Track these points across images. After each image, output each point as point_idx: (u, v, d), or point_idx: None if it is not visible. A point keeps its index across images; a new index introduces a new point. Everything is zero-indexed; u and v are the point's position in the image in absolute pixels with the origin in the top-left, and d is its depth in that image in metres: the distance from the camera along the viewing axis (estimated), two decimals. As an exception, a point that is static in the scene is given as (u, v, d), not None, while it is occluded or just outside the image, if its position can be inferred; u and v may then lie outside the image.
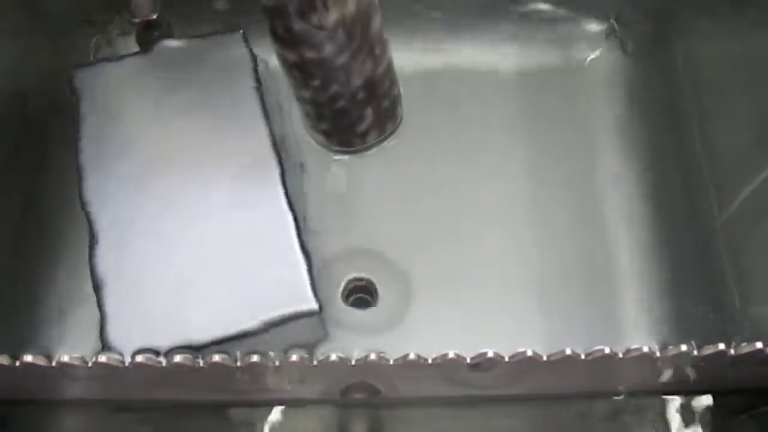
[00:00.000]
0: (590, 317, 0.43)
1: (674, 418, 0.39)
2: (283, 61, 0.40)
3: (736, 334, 0.40)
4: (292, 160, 0.46)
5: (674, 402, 0.39)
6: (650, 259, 0.44)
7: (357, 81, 0.41)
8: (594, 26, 0.50)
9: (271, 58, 0.42)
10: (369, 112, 0.43)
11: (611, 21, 0.50)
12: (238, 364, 0.30)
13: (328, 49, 0.38)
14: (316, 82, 0.40)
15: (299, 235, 0.39)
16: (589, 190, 0.46)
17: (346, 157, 0.47)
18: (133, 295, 0.38)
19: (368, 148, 0.46)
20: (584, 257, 0.44)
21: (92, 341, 0.38)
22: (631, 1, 0.49)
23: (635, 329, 0.43)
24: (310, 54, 0.38)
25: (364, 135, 0.45)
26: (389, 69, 0.43)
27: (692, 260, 0.43)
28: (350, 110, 0.43)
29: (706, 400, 0.39)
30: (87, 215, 0.41)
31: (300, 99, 0.43)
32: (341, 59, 0.39)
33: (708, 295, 0.42)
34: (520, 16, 0.50)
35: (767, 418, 0.38)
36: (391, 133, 0.46)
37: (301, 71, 0.40)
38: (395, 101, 0.45)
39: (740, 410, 0.39)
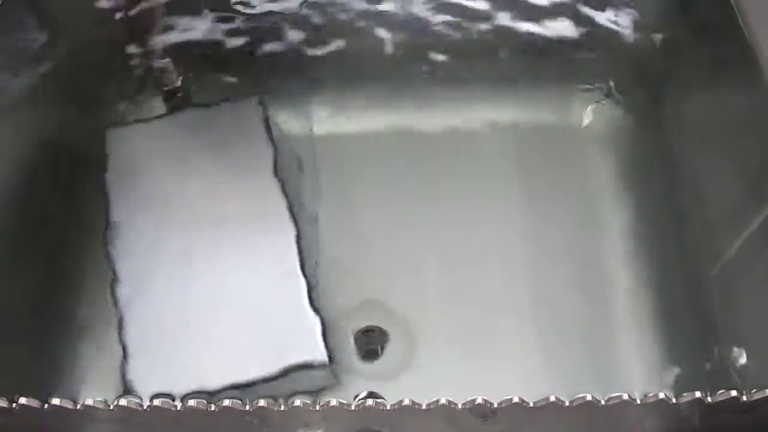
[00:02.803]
0: (593, 367, 0.45)
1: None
2: None
3: (728, 383, 0.41)
4: (307, 212, 0.48)
5: (668, 450, 0.40)
6: (647, 310, 0.45)
7: None
8: (591, 87, 0.52)
9: (285, 122, 0.45)
10: None
11: (609, 83, 0.52)
12: (247, 408, 0.32)
13: None
14: None
15: (310, 291, 0.42)
16: (586, 242, 0.48)
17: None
18: (153, 343, 0.40)
19: None
20: (583, 309, 0.46)
21: (112, 385, 0.41)
22: (629, 65, 0.52)
23: (635, 378, 0.44)
24: None
25: None
26: None
27: (687, 310, 0.45)
28: None
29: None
30: (112, 265, 0.43)
31: None
32: None
33: (703, 345, 0.44)
34: (519, 75, 0.52)
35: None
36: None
37: None
38: None
39: (737, 458, 0.40)
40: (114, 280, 0.43)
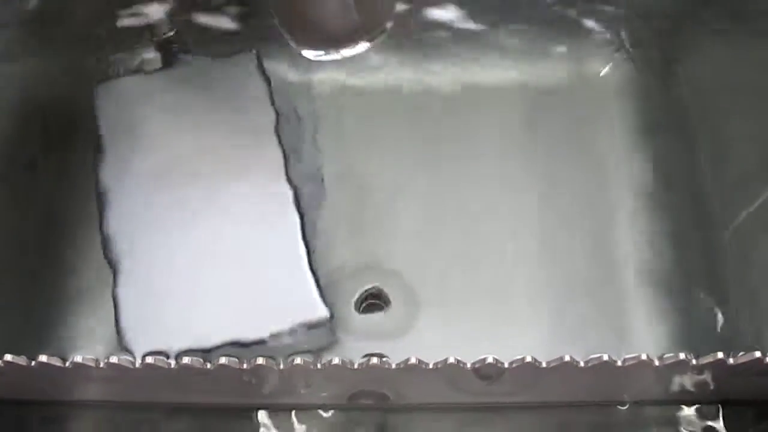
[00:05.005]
0: (601, 328, 0.43)
1: (682, 429, 0.39)
2: None
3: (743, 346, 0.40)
4: (307, 169, 0.47)
5: (682, 412, 0.39)
6: (658, 272, 0.44)
7: None
8: (604, 42, 0.51)
9: (284, 74, 0.43)
10: None
11: (621, 37, 0.50)
12: (245, 366, 0.31)
13: None
14: None
15: (308, 250, 0.41)
16: (598, 204, 0.46)
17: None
18: (149, 300, 0.39)
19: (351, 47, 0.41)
20: (593, 269, 0.45)
21: (107, 345, 0.40)
22: (640, 17, 0.50)
23: (645, 340, 0.43)
24: None
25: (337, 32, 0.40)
26: None
27: (700, 273, 0.44)
28: None
29: (715, 411, 0.39)
30: (104, 223, 0.42)
31: None
32: None
33: (716, 306, 0.43)
34: (530, 31, 0.50)
35: (778, 431, 0.38)
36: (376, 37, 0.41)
37: None
38: None
39: (751, 422, 0.39)
40: (106, 239, 0.42)
